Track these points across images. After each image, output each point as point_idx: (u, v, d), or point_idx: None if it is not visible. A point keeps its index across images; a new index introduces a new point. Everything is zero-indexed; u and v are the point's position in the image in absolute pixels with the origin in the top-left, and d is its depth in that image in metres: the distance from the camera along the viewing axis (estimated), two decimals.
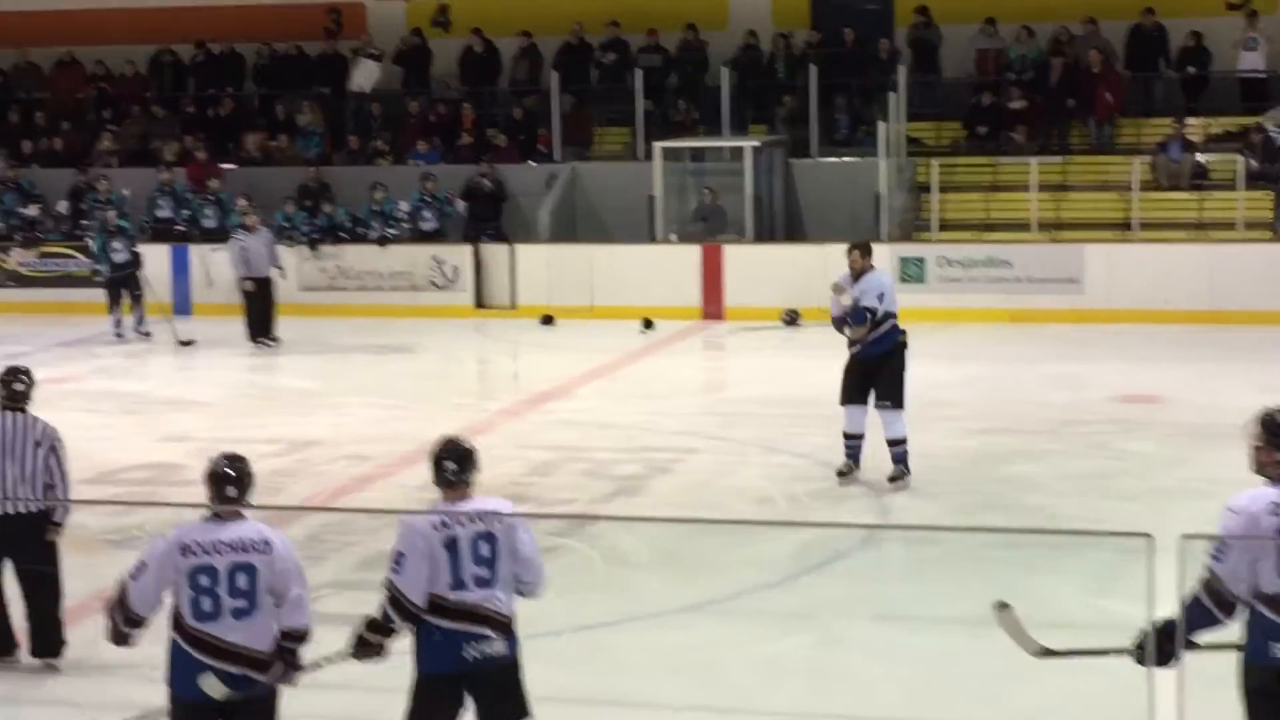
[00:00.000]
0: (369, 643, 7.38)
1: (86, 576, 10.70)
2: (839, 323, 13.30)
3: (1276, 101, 24.09)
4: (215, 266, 24.22)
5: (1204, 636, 6.58)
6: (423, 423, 16.12)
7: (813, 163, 24.73)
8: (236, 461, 7.26)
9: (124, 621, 7.22)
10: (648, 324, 22.12)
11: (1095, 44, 24.68)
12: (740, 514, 12.56)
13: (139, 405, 17.52)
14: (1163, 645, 6.51)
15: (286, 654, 7.23)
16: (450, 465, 7.39)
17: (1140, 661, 6.63)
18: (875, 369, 13.14)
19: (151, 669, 7.43)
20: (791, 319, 22.03)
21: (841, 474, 13.29)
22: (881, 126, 23.43)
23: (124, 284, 22.40)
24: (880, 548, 11.84)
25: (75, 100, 28.34)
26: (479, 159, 25.15)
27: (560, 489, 13.37)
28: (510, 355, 22.02)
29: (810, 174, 24.64)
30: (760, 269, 23.06)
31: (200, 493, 7.27)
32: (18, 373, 9.56)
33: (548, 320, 23.01)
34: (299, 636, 7.28)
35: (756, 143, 24.37)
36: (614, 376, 19.06)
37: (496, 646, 7.26)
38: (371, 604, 10.27)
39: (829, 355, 19.89)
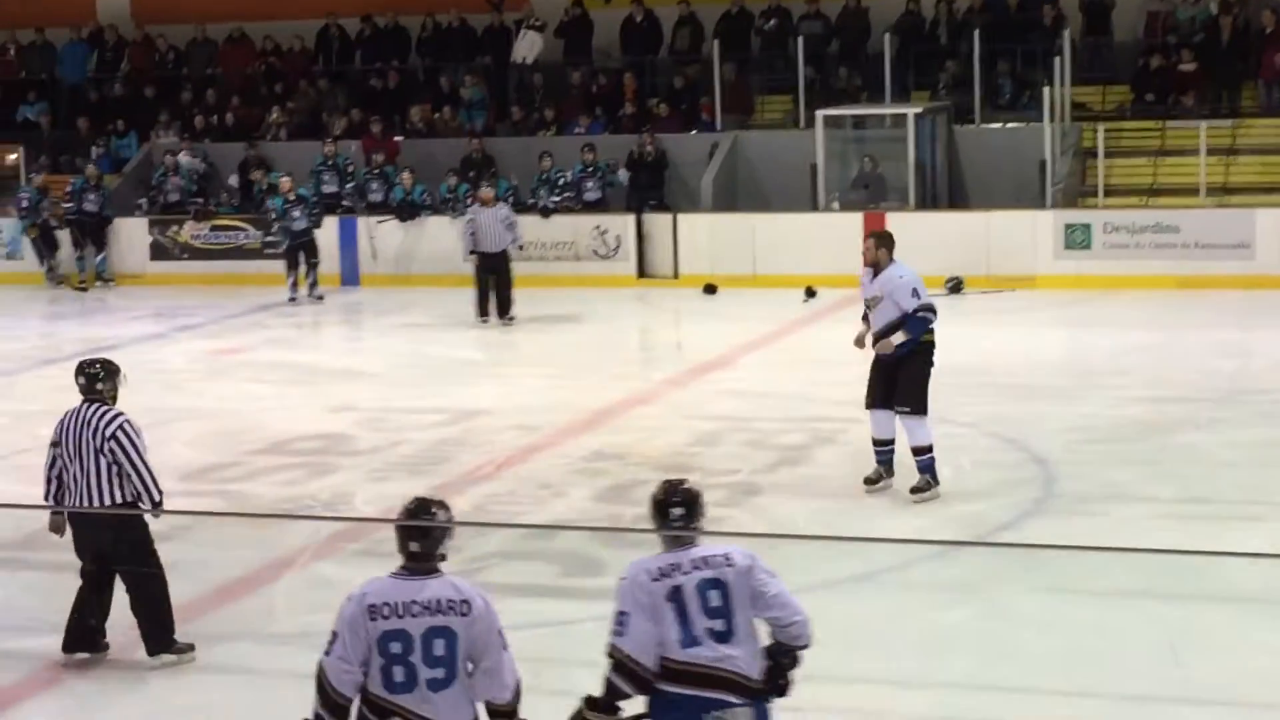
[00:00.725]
0: None
1: (260, 548, 10.91)
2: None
3: None
4: (381, 238, 24.47)
5: None
6: (587, 392, 16.22)
7: (976, 129, 24.46)
8: (432, 507, 6.58)
9: (330, 710, 6.28)
10: (810, 292, 22.01)
11: (1267, 4, 24.14)
12: (905, 481, 12.44)
13: (308, 376, 17.76)
14: None
15: None
16: (677, 511, 6.44)
17: None
18: (895, 371, 11.94)
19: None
20: (955, 287, 21.82)
21: (870, 481, 12.14)
22: (1046, 91, 23.11)
23: (302, 250, 22.95)
24: (1045, 518, 11.69)
25: (245, 75, 28.75)
26: (641, 129, 25.16)
27: (724, 459, 13.35)
28: (673, 324, 22.03)
29: (973, 140, 24.36)
30: (923, 236, 22.74)
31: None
32: (92, 363, 9.31)
33: (710, 289, 22.98)
34: (504, 713, 6.43)
35: (919, 109, 24.14)
36: (777, 345, 19.00)
37: (740, 716, 6.25)
38: (537, 574, 10.39)
39: (993, 323, 19.77)
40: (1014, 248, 22.33)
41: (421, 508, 6.50)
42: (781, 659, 6.47)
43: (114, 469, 8.94)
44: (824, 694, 8.51)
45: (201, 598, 10.19)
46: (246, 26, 28.93)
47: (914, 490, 11.93)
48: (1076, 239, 22.10)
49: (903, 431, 11.99)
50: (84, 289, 25.05)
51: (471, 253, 20.56)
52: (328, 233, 23.98)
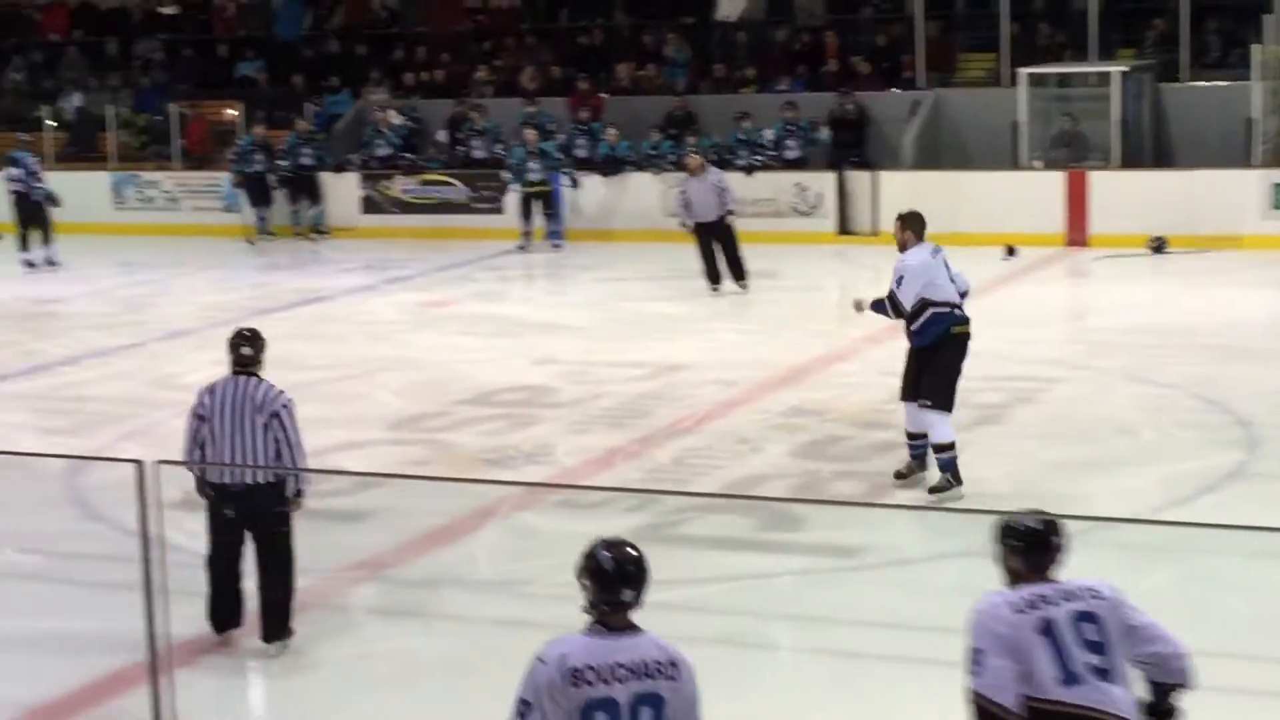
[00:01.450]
0: None
1: (463, 497, 10.97)
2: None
3: None
4: (584, 194, 24.52)
5: None
6: (786, 349, 16.11)
7: (1182, 87, 23.88)
8: (631, 562, 5.52)
9: None
10: (1010, 251, 21.66)
11: None
12: (1106, 445, 12.18)
13: (513, 328, 17.84)
14: None
15: None
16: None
17: None
18: (923, 363, 11.18)
19: None
20: (1158, 246, 21.33)
21: (900, 476, 11.22)
22: (1255, 49, 22.45)
23: (536, 199, 23.34)
24: (1252, 482, 11.37)
25: (454, 33, 28.94)
26: (842, 87, 24.91)
27: None
28: (872, 282, 21.73)
29: (1179, 98, 23.78)
30: (1126, 195, 22.36)
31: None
32: (244, 336, 8.72)
33: None
34: None
35: (1125, 67, 23.60)
36: (975, 304, 18.54)
37: None
38: (735, 527, 10.32)
39: (1198, 283, 19.29)
40: (1219, 207, 21.75)
41: (630, 562, 5.48)
42: (1165, 701, 5.77)
43: (276, 446, 8.40)
44: None
45: (405, 545, 10.28)
46: None
47: (933, 490, 10.96)
48: None
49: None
50: (272, 236, 25.46)
51: (686, 224, 19.60)
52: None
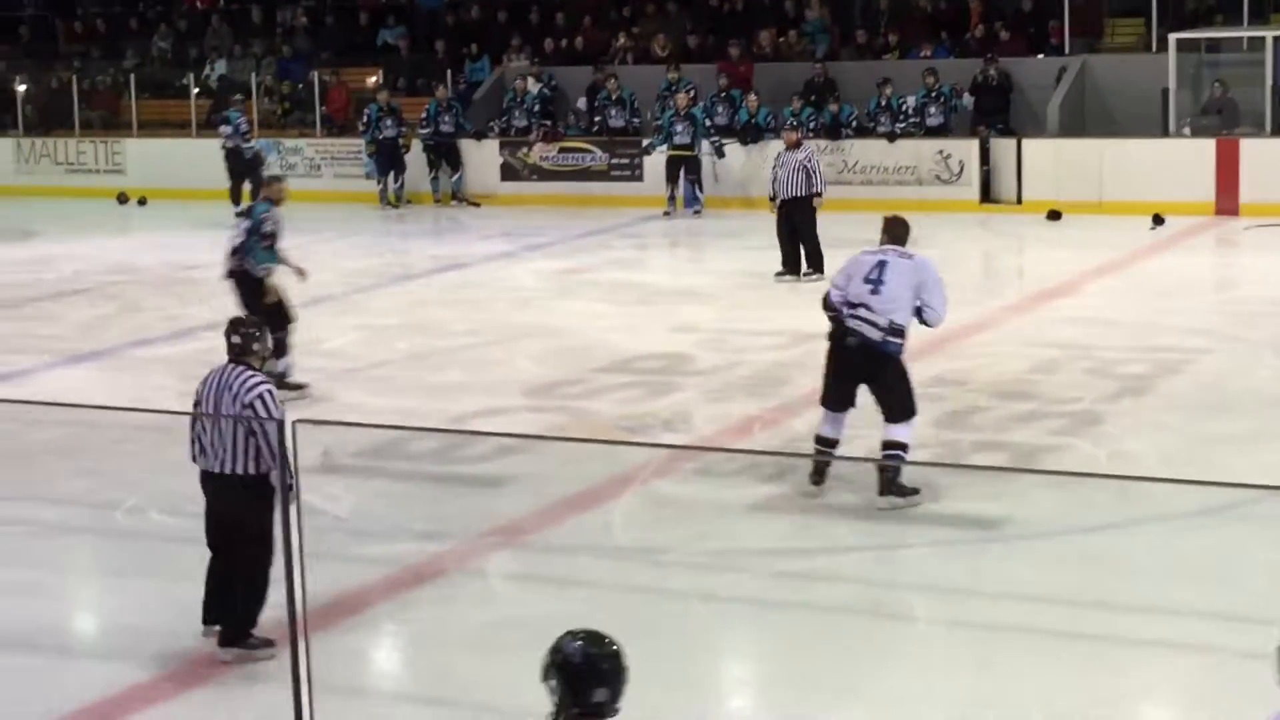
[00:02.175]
0: None
1: (602, 464, 11.02)
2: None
3: None
4: (724, 161, 24.48)
5: None
6: None
7: None
8: (607, 658, 5.07)
9: None
10: (1158, 220, 21.35)
11: None
12: (1254, 418, 11.98)
13: (650, 295, 17.86)
14: None
15: None
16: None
17: None
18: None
19: None
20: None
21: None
22: None
23: (683, 164, 23.47)
24: None
25: (593, 0, 28.96)
26: (986, 53, 24.65)
27: (1065, 387, 13.03)
28: (1015, 250, 21.61)
29: None
30: (1279, 163, 21.96)
31: None
32: (232, 325, 8.46)
33: (1055, 216, 22.45)
34: None
35: (1278, 32, 23.13)
36: (1122, 273, 18.48)
37: None
38: (874, 497, 10.26)
39: None
40: None
41: (605, 658, 5.05)
42: None
43: (251, 438, 7.96)
44: (1157, 627, 8.27)
45: (543, 511, 10.34)
46: None
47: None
48: None
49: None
50: (396, 206, 25.66)
51: (773, 199, 18.74)
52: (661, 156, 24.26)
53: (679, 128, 23.94)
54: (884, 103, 24.16)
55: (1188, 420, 12.06)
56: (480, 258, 20.76)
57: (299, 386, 13.20)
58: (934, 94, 24.08)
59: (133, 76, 30.30)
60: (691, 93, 24.90)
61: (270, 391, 8.13)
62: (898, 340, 10.31)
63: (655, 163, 24.55)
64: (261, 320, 8.78)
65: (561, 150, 25.89)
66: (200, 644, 8.16)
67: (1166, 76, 23.16)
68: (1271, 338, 14.68)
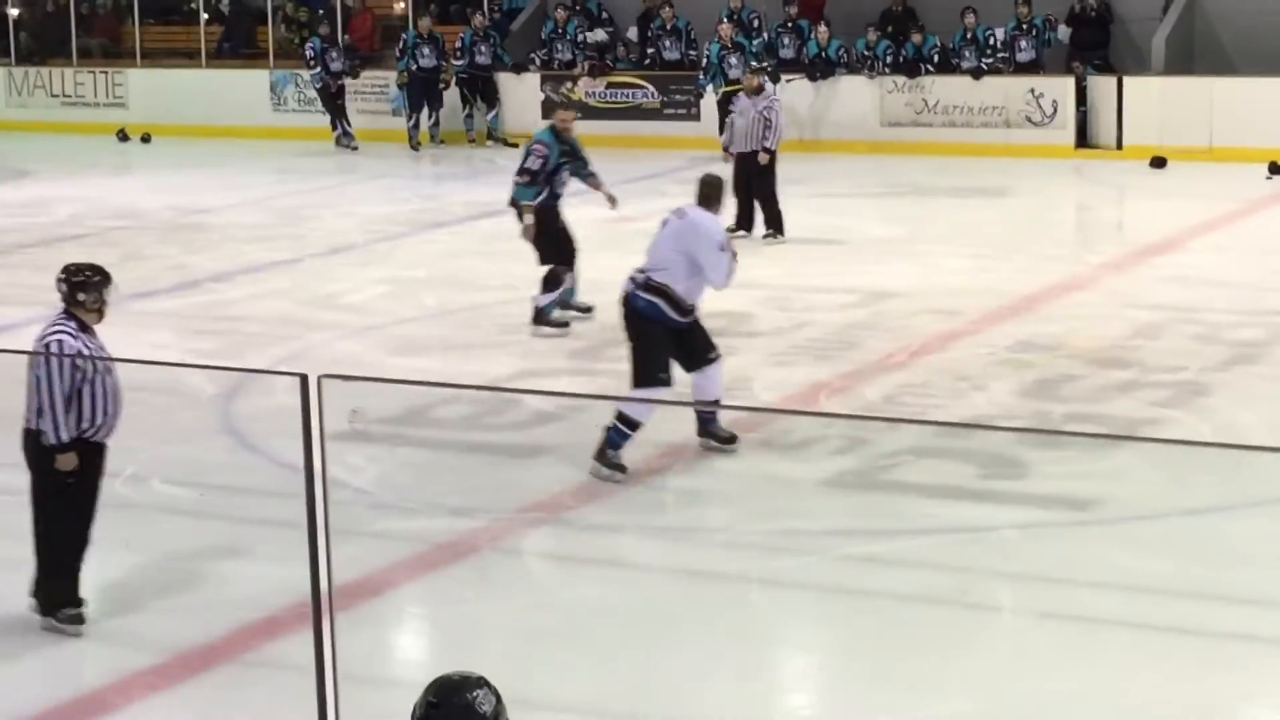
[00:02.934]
0: None
1: (654, 433, 11.01)
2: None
3: None
4: (791, 99, 24.42)
5: None
6: (1015, 275, 15.97)
7: None
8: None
9: None
10: (1276, 169, 21.23)
11: None
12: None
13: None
14: None
15: None
16: None
17: None
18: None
19: None
20: None
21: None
22: None
23: (734, 96, 23.46)
24: None
25: None
26: None
27: (1168, 354, 12.99)
28: (1114, 201, 21.51)
29: None
30: None
31: None
32: (78, 269, 8.41)
33: (1159, 163, 22.34)
34: None
35: None
36: (1233, 228, 18.39)
37: None
38: (954, 474, 10.27)
39: None
40: None
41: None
42: None
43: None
44: (1273, 619, 8.24)
45: (585, 485, 10.35)
46: None
47: (729, 439, 10.83)
48: None
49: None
50: (417, 149, 25.71)
51: (727, 150, 18.55)
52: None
53: (732, 60, 23.84)
54: (969, 35, 24.06)
55: None
56: None
57: (567, 318, 14.14)
58: (1025, 25, 23.96)
59: (136, 0, 30.40)
60: (755, 21, 24.80)
61: (54, 343, 8.14)
62: (648, 297, 10.55)
63: (712, 100, 24.50)
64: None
65: (610, 86, 25.89)
66: (214, 627, 8.22)
67: None
68: None
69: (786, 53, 24.91)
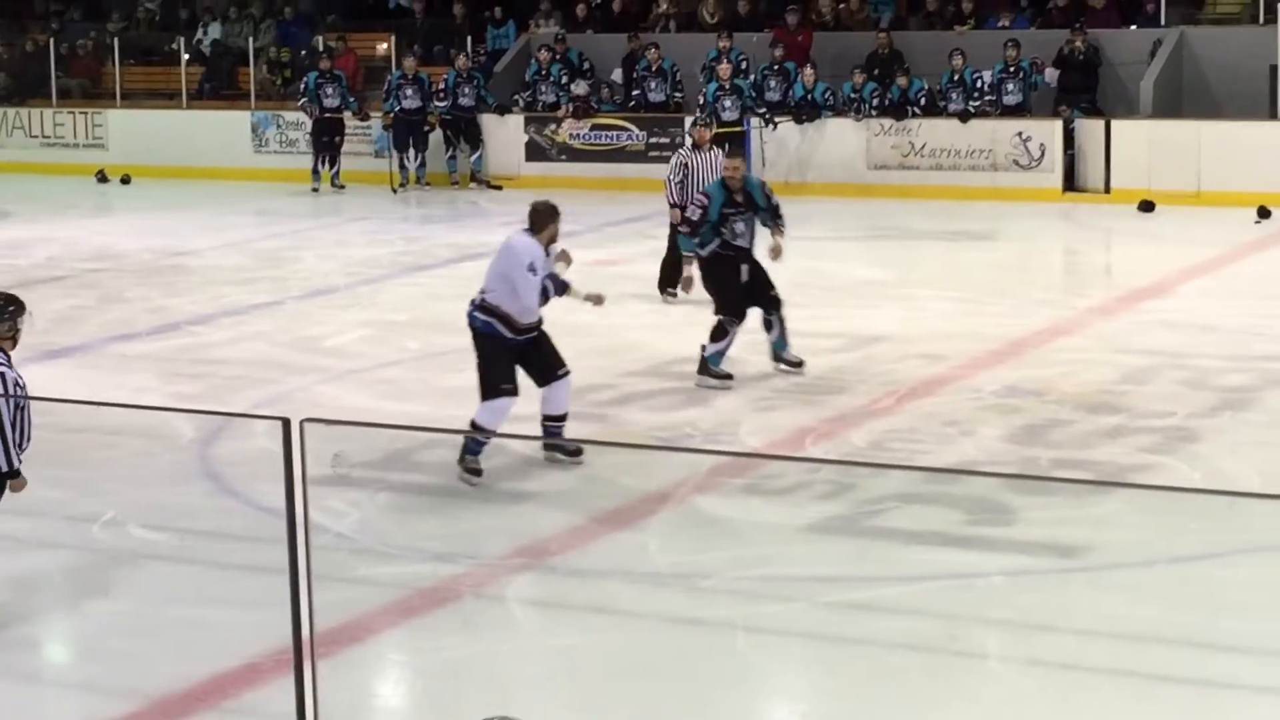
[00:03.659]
0: None
1: (636, 478, 11.00)
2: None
3: None
4: (776, 142, 24.51)
5: None
6: (1003, 320, 15.99)
7: None
8: None
9: None
10: (1264, 213, 21.31)
11: None
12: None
13: (693, 292, 17.84)
14: None
15: None
16: None
17: None
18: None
19: None
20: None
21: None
22: None
23: (729, 141, 23.56)
24: None
25: None
26: (1072, 23, 24.61)
27: (1156, 400, 13.01)
28: (1102, 245, 21.56)
29: None
30: None
31: None
32: None
33: (1147, 206, 22.42)
34: None
35: None
36: (1222, 273, 18.44)
37: None
38: (941, 520, 10.28)
39: None
40: None
41: None
42: None
43: None
44: (1262, 669, 8.25)
45: (571, 530, 10.35)
46: None
47: (574, 454, 11.42)
48: None
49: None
50: (396, 191, 25.72)
51: (674, 206, 16.67)
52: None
53: (726, 102, 23.98)
54: (956, 77, 24.15)
55: None
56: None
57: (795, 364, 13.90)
58: (1013, 69, 24.06)
59: (117, 40, 30.48)
60: (744, 64, 24.92)
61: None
62: (484, 317, 11.28)
63: None
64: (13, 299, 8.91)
65: (594, 127, 25.95)
66: (193, 674, 8.20)
67: (1275, 51, 23.13)
68: None
69: (773, 95, 25.00)
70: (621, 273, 19.02)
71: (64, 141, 29.41)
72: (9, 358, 8.68)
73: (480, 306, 11.30)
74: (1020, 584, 9.51)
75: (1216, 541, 9.71)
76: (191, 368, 14.78)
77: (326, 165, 26.15)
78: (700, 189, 15.90)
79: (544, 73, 26.54)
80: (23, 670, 8.35)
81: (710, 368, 13.69)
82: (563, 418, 11.49)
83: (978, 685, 8.24)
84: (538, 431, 11.51)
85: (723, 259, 13.86)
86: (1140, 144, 23.22)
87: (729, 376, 13.66)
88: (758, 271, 13.92)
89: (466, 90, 25.99)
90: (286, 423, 6.37)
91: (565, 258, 11.64)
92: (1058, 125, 23.59)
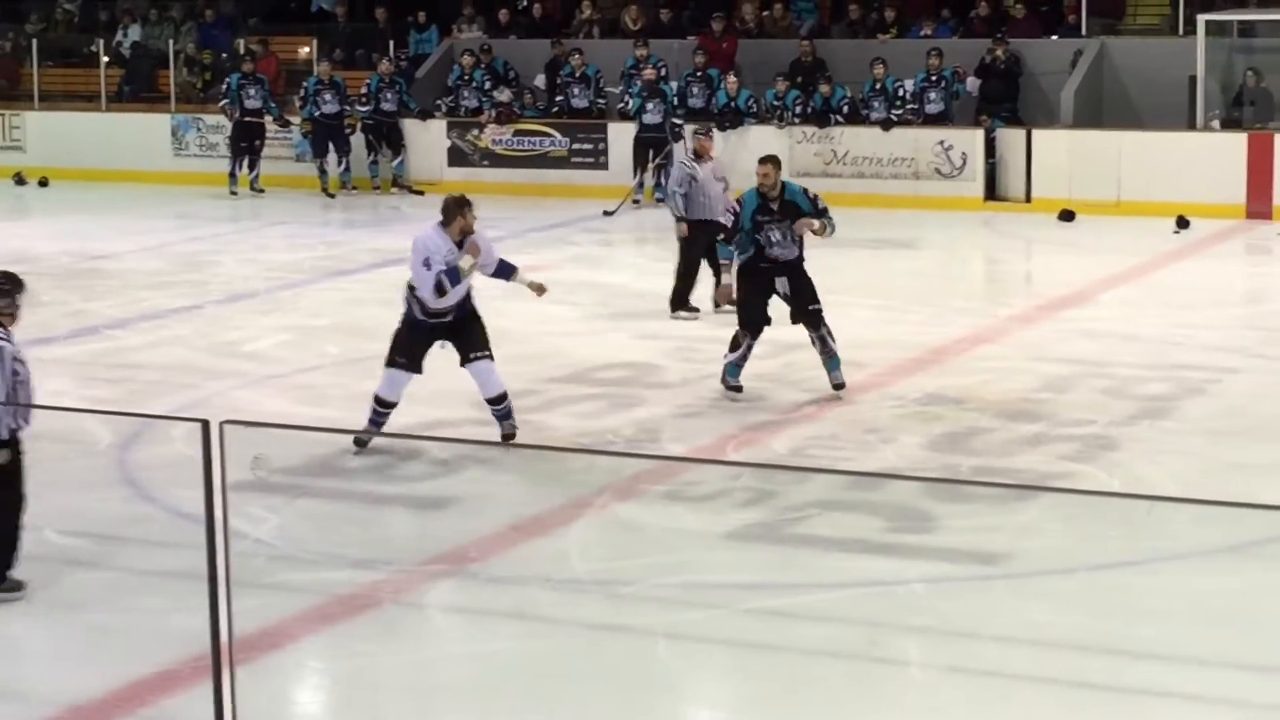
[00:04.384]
0: None
1: (556, 485, 10.98)
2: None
3: None
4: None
5: None
6: (924, 328, 16.05)
7: None
8: None
9: None
10: (1182, 223, 21.46)
11: None
12: None
13: (614, 298, 17.87)
14: None
15: None
16: None
17: None
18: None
19: None
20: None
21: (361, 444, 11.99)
22: None
23: (652, 146, 23.66)
24: None
25: None
26: (994, 33, 24.73)
27: (1076, 408, 13.08)
28: (1023, 254, 21.68)
29: None
30: None
31: None
32: None
33: (1067, 216, 22.55)
34: None
35: None
36: (1142, 282, 18.56)
37: None
38: (861, 527, 10.30)
39: None
40: None
41: None
42: None
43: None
44: (1181, 676, 8.30)
45: (490, 537, 10.33)
46: None
47: (506, 438, 12.09)
48: None
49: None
50: (333, 196, 25.59)
51: (681, 220, 16.47)
52: (625, 143, 24.41)
53: (649, 106, 24.02)
54: (878, 86, 24.23)
55: (1211, 446, 12.11)
56: None
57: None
58: (935, 77, 24.16)
59: (35, 42, 30.22)
60: (664, 70, 24.93)
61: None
62: (407, 297, 12.05)
63: (622, 149, 24.60)
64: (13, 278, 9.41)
65: (517, 133, 25.91)
66: (109, 680, 8.13)
67: (1194, 63, 23.29)
68: None
69: (696, 102, 25.01)
70: (545, 279, 18.96)
71: None
72: (9, 333, 9.09)
73: (408, 288, 11.99)
74: (941, 591, 9.55)
75: (1136, 548, 9.77)
76: (109, 372, 14.68)
77: (246, 169, 26.00)
78: (704, 196, 16.30)
79: (467, 78, 26.48)
80: None
81: (725, 377, 13.49)
82: (497, 400, 12.05)
83: (899, 692, 8.26)
84: (460, 434, 11.49)
85: (754, 271, 13.36)
86: (1061, 153, 23.36)
87: (738, 389, 13.42)
88: (799, 284, 13.42)
89: (389, 95, 25.90)
90: (206, 425, 6.34)
91: (474, 250, 11.92)
92: (979, 134, 23.71)
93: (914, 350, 15.04)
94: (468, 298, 12.10)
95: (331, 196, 25.64)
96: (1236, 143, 22.46)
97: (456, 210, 11.99)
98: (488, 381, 12.06)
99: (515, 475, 11.57)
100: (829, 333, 13.39)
